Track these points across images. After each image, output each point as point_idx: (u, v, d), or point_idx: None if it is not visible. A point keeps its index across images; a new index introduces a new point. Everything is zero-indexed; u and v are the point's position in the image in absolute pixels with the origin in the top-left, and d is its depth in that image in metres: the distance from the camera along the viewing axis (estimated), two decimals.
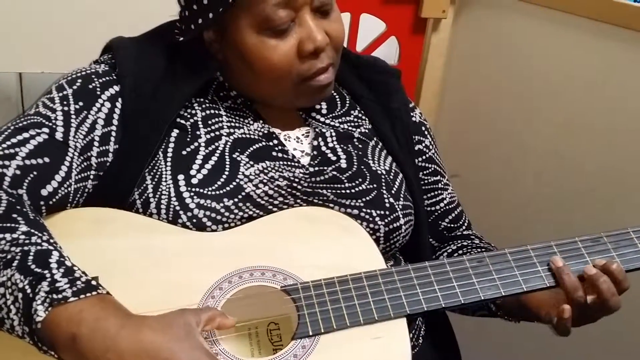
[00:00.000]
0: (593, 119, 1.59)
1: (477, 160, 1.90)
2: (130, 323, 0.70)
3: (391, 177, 1.03)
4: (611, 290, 0.86)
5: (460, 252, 1.11)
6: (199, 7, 0.92)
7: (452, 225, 1.16)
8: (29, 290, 0.71)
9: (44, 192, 0.85)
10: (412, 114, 1.15)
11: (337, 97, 1.10)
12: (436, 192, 1.15)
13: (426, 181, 1.14)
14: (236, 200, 0.92)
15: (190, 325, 0.72)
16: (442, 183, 1.16)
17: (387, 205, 0.99)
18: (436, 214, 1.14)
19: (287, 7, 0.90)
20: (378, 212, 0.98)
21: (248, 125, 1.00)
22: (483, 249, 1.09)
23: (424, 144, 1.15)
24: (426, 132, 1.16)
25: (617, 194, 1.56)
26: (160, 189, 0.91)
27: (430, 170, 1.14)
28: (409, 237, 1.04)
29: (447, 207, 1.15)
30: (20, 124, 0.88)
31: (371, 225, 0.97)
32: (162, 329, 0.70)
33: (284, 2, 0.90)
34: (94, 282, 0.74)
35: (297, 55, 0.93)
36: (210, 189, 0.91)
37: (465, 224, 1.18)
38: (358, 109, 1.11)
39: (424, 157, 1.14)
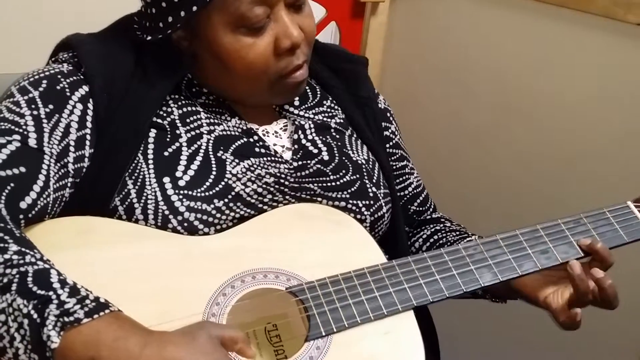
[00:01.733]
0: (533, 99, 1.65)
1: (417, 142, 1.92)
2: (152, 340, 0.66)
3: (370, 166, 1.04)
4: (614, 293, 0.88)
5: (435, 236, 1.12)
6: (168, 5, 0.88)
7: (420, 208, 1.18)
8: (35, 316, 0.66)
9: (22, 205, 0.79)
10: (377, 100, 1.15)
11: (307, 88, 1.08)
12: (404, 177, 1.16)
13: (395, 167, 1.15)
14: (226, 200, 0.89)
15: (214, 338, 0.69)
16: (409, 167, 1.17)
17: (371, 194, 0.99)
18: (405, 198, 1.16)
19: (262, 3, 0.87)
20: (363, 202, 0.98)
21: (226, 121, 0.96)
22: (456, 232, 1.11)
23: (390, 130, 1.15)
24: (391, 118, 1.17)
25: (558, 174, 1.63)
26: (145, 194, 0.87)
27: (397, 155, 1.15)
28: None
29: (415, 191, 1.17)
30: None
31: (358, 216, 0.97)
32: (186, 343, 0.67)
33: None
34: (102, 300, 0.69)
35: (274, 52, 0.91)
36: (199, 190, 0.88)
37: (432, 207, 1.20)
38: (330, 99, 1.09)
39: (391, 143, 1.15)
